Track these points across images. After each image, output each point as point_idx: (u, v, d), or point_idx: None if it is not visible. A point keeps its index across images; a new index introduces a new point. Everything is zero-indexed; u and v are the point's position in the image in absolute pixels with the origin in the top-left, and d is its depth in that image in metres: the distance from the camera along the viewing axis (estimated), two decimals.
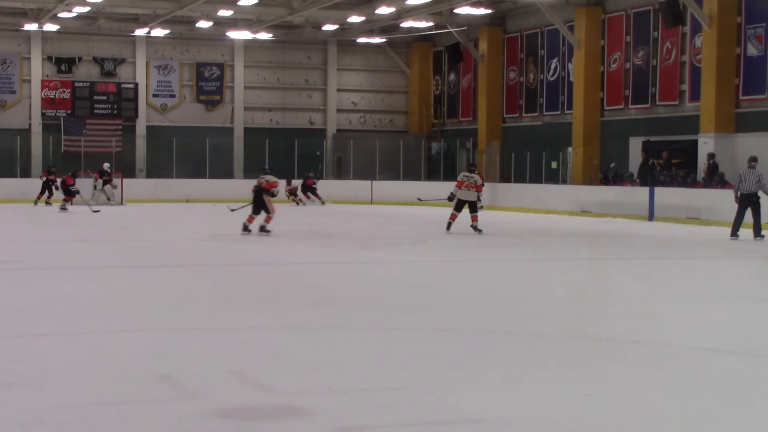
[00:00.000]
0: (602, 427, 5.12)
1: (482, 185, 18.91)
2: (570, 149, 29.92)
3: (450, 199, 18.94)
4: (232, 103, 37.25)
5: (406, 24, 32.75)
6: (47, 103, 35.01)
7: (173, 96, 36.59)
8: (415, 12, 30.98)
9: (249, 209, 17.98)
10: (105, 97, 35.48)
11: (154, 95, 36.36)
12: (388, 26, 34.73)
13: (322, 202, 31.69)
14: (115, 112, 35.61)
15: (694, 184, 24.12)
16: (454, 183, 19.23)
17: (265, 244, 16.87)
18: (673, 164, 25.85)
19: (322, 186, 32.33)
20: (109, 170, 30.10)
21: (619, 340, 7.59)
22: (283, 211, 27.68)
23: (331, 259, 14.28)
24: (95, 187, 29.92)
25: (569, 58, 30.20)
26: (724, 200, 19.36)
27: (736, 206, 17.81)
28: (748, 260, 15.01)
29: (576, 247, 17.44)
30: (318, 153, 36.29)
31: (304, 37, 36.79)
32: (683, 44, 26.10)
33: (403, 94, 39.29)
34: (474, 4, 29.77)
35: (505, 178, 32.43)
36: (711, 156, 23.76)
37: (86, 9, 31.34)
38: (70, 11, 31.74)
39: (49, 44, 35.09)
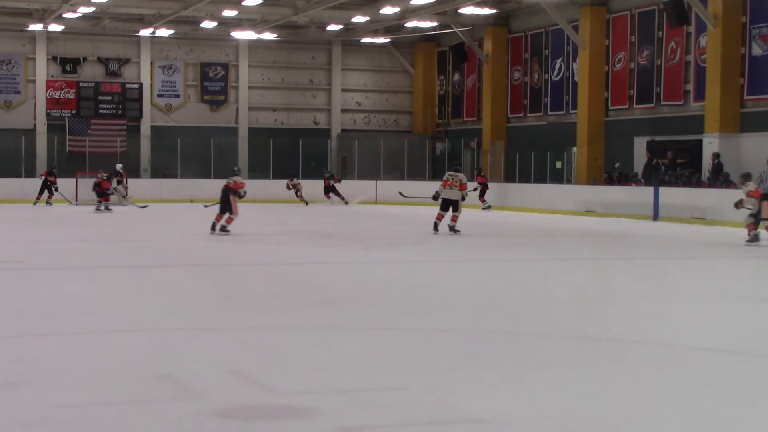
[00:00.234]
0: (602, 427, 5.11)
1: (466, 184, 18.86)
2: (574, 149, 29.89)
3: (435, 198, 18.89)
4: (236, 103, 37.27)
5: (411, 24, 32.74)
6: (52, 103, 35.07)
7: (178, 96, 36.63)
8: (419, 12, 30.98)
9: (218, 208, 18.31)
10: (110, 98, 35.52)
11: (159, 95, 36.40)
12: (392, 26, 34.74)
13: (346, 202, 31.60)
14: (120, 112, 35.66)
15: (698, 184, 24.09)
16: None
17: (266, 244, 16.91)
18: (677, 164, 25.82)
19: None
20: (121, 171, 30.11)
21: (620, 340, 7.58)
22: (285, 211, 27.74)
23: (332, 259, 14.28)
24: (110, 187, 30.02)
25: (574, 58, 30.17)
26: (729, 200, 19.30)
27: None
28: (750, 260, 14.99)
29: (578, 247, 17.43)
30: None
31: (308, 37, 36.81)
32: (688, 44, 26.07)
33: (407, 94, 39.29)
34: (478, 4, 29.76)
35: (509, 178, 32.43)
36: (716, 156, 23.73)
37: (91, 9, 31.38)
38: (74, 11, 31.78)
39: (53, 44, 35.15)
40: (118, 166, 30.45)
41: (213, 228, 17.94)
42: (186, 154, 35.38)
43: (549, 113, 31.84)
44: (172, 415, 5.18)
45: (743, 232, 17.35)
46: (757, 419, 5.35)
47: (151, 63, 36.19)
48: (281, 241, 17.28)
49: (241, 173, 19.15)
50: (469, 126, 36.06)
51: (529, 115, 32.98)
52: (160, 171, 35.41)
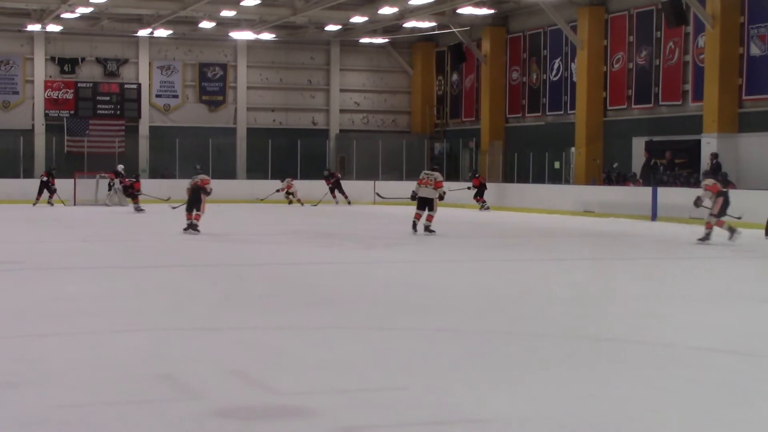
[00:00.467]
0: (602, 427, 5.11)
1: (442, 182, 18.86)
2: (573, 149, 29.90)
3: (413, 198, 18.92)
4: (234, 103, 37.27)
5: (409, 24, 32.75)
6: (50, 103, 35.06)
7: (176, 96, 36.62)
8: (417, 12, 30.99)
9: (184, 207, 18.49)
10: (108, 98, 35.52)
11: (157, 96, 36.39)
12: (390, 26, 34.75)
13: (349, 202, 31.55)
14: (118, 112, 35.65)
15: (697, 184, 24.05)
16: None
17: (266, 244, 16.91)
18: (676, 164, 25.84)
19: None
20: (123, 172, 30.12)
21: (619, 340, 7.58)
22: (285, 211, 27.72)
23: (332, 259, 14.28)
24: (111, 187, 30.03)
25: (572, 58, 30.19)
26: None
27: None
28: (750, 260, 15.01)
29: (578, 247, 17.43)
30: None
31: (307, 38, 36.81)
32: (686, 44, 26.09)
33: (405, 95, 39.29)
34: (477, 5, 29.78)
35: (507, 178, 32.43)
36: (714, 156, 23.74)
37: (89, 9, 31.39)
38: (73, 12, 31.78)
39: (52, 45, 35.14)
40: (120, 167, 30.46)
41: (190, 227, 18.07)
42: (184, 155, 35.32)
43: (547, 113, 31.85)
44: (172, 415, 5.18)
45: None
46: (757, 419, 5.35)
47: (150, 63, 36.19)
48: (281, 241, 17.28)
49: (203, 171, 19.45)
50: (467, 126, 36.07)
51: (527, 115, 32.99)
52: (158, 171, 35.39)
